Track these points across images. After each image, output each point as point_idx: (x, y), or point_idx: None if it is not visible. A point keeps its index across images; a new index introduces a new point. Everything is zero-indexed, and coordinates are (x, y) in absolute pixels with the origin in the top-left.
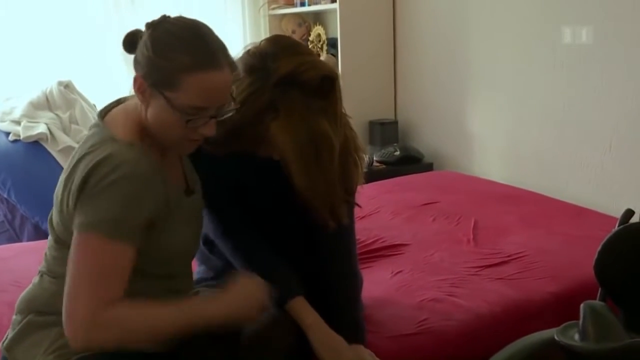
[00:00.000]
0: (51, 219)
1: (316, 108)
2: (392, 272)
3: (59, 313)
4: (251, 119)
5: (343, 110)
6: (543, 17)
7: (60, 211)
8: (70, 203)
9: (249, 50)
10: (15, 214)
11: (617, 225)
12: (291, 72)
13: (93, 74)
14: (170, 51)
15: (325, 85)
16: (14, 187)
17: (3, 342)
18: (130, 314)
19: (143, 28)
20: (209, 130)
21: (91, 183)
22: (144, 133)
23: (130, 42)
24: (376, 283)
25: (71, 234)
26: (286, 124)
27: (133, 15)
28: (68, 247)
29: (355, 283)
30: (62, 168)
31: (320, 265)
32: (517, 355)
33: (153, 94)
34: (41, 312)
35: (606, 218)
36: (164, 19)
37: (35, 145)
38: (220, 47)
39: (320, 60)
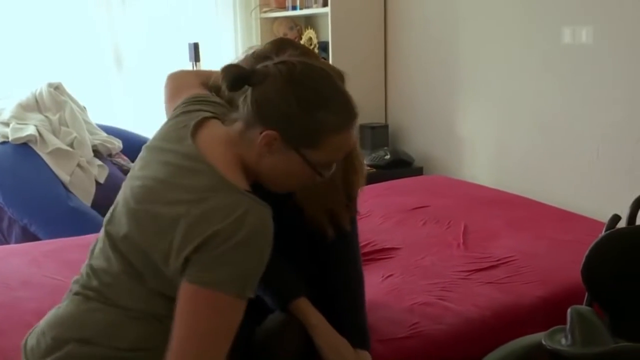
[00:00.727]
0: (125, 241)
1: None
2: (382, 276)
3: (113, 348)
4: None
5: None
6: (532, 22)
7: (157, 248)
8: (187, 249)
9: (253, 52)
10: (3, 216)
11: (604, 230)
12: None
13: (83, 76)
14: (319, 111)
15: None
16: (1, 189)
17: None
18: None
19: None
20: (327, 177)
21: (225, 235)
22: (246, 173)
23: (236, 79)
24: (367, 286)
25: (158, 274)
26: None
27: (123, 17)
28: (143, 284)
29: (360, 290)
30: (51, 170)
31: (325, 271)
32: (506, 358)
33: (284, 148)
34: (88, 342)
35: (593, 223)
36: (292, 64)
37: (24, 147)
38: (351, 100)
39: (324, 62)
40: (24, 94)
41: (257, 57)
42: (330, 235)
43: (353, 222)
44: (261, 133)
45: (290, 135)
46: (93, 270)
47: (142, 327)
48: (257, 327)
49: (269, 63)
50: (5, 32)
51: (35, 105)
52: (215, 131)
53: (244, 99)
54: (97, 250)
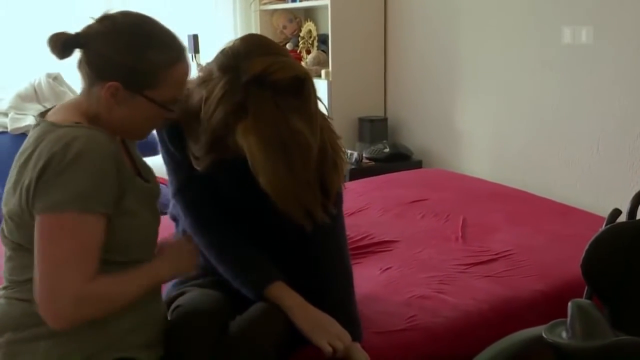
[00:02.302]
0: (2, 233)
1: (288, 107)
2: (380, 269)
3: (34, 324)
4: (225, 120)
5: (322, 112)
6: (533, 17)
7: (16, 214)
8: (31, 191)
9: (223, 50)
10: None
11: (604, 224)
12: (262, 72)
13: None
14: (147, 51)
15: (296, 86)
16: (0, 180)
17: None
18: (109, 283)
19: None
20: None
21: (56, 161)
22: (92, 122)
23: (64, 46)
24: (365, 279)
25: (31, 234)
26: (253, 124)
27: (122, 7)
28: (27, 250)
29: (347, 281)
30: None
31: (311, 264)
32: (505, 352)
33: (128, 96)
34: (17, 328)
35: (592, 217)
36: (112, 17)
37: (22, 138)
38: (175, 34)
39: (293, 61)
40: (22, 85)
41: (226, 54)
42: (309, 228)
43: (335, 218)
44: (103, 88)
45: (130, 82)
46: (3, 273)
47: None
48: (237, 316)
49: (92, 23)
50: (3, 22)
51: (34, 95)
52: (63, 105)
53: (80, 64)
54: None
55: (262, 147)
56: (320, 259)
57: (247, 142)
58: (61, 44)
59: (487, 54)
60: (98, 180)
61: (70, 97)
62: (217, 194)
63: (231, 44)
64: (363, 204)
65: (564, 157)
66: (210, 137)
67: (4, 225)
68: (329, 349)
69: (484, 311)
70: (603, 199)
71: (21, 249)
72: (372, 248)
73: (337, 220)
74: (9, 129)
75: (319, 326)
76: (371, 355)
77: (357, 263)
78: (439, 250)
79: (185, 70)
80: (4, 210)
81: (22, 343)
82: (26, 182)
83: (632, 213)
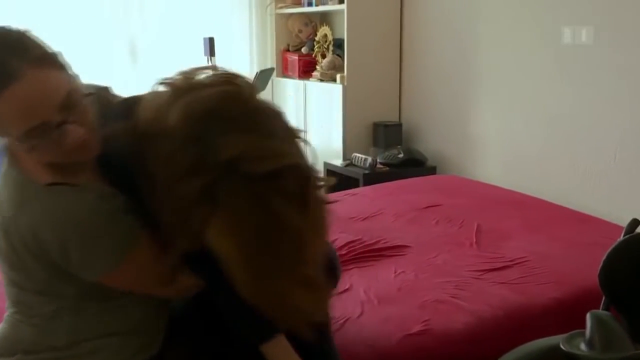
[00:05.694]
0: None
1: (270, 193)
2: (395, 272)
3: (47, 349)
4: (185, 206)
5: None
6: (550, 21)
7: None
8: (61, 261)
9: (190, 104)
10: None
11: (622, 234)
12: (236, 158)
13: (98, 69)
14: None
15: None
16: None
17: None
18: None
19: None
20: (73, 135)
21: (77, 231)
22: (53, 170)
23: None
24: (379, 281)
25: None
26: (228, 223)
27: (139, 11)
28: (35, 291)
29: None
30: None
31: None
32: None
33: (7, 140)
34: (29, 351)
35: (609, 225)
36: None
37: None
38: (9, 51)
39: (275, 146)
40: None
41: (197, 114)
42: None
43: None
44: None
45: None
46: (6, 290)
47: (65, 321)
48: None
49: None
50: (21, 24)
51: None
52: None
53: None
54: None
55: (240, 251)
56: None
57: (219, 246)
58: None
59: (503, 59)
60: (116, 219)
61: None
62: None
63: (202, 95)
64: (376, 209)
65: (580, 165)
66: (170, 220)
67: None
68: None
69: (500, 318)
70: (619, 208)
71: (33, 292)
72: (386, 252)
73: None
74: None
75: None
76: (383, 358)
77: (370, 265)
78: (453, 255)
79: (19, 99)
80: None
81: None
82: (55, 247)
83: None
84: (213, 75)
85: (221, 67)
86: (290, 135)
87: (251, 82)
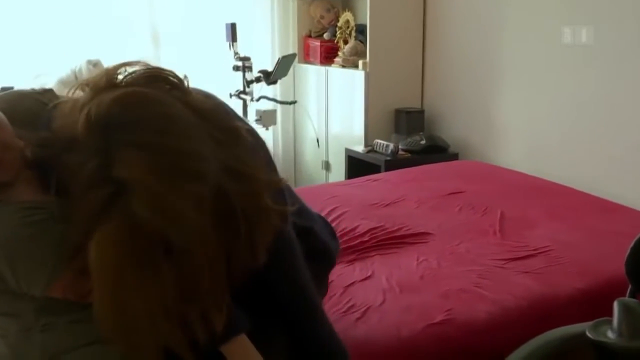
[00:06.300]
0: None
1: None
2: (417, 260)
3: None
4: (87, 219)
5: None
6: (575, 9)
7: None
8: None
9: (90, 110)
10: None
11: None
12: (130, 180)
13: (121, 54)
14: None
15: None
16: None
17: None
18: None
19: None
20: None
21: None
22: None
23: None
24: (402, 269)
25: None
26: (114, 232)
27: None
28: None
29: (315, 317)
30: None
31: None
32: (544, 347)
33: None
34: None
35: (634, 213)
36: None
37: None
38: None
39: (175, 165)
40: (64, 71)
41: (96, 118)
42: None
43: (279, 251)
44: None
45: None
46: None
47: (36, 339)
48: None
49: None
50: (46, 10)
51: (74, 81)
52: None
53: None
54: None
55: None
56: (282, 298)
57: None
58: None
59: (527, 45)
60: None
61: None
62: None
63: (105, 101)
64: (398, 196)
65: (606, 153)
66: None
67: None
68: None
69: (523, 308)
70: None
71: None
72: (408, 239)
73: (285, 253)
74: None
75: None
76: (406, 347)
77: (393, 253)
78: (476, 244)
79: None
80: None
81: None
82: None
83: None
84: (135, 73)
85: (146, 63)
86: (220, 140)
87: (178, 79)
